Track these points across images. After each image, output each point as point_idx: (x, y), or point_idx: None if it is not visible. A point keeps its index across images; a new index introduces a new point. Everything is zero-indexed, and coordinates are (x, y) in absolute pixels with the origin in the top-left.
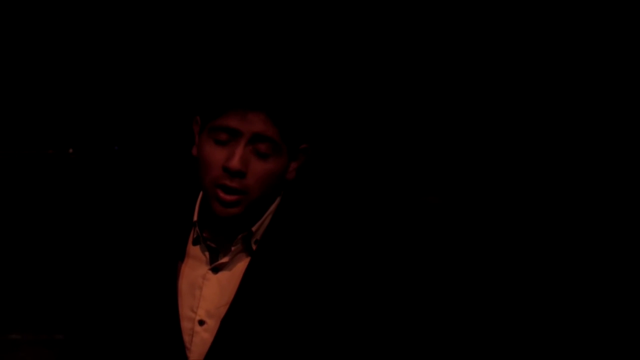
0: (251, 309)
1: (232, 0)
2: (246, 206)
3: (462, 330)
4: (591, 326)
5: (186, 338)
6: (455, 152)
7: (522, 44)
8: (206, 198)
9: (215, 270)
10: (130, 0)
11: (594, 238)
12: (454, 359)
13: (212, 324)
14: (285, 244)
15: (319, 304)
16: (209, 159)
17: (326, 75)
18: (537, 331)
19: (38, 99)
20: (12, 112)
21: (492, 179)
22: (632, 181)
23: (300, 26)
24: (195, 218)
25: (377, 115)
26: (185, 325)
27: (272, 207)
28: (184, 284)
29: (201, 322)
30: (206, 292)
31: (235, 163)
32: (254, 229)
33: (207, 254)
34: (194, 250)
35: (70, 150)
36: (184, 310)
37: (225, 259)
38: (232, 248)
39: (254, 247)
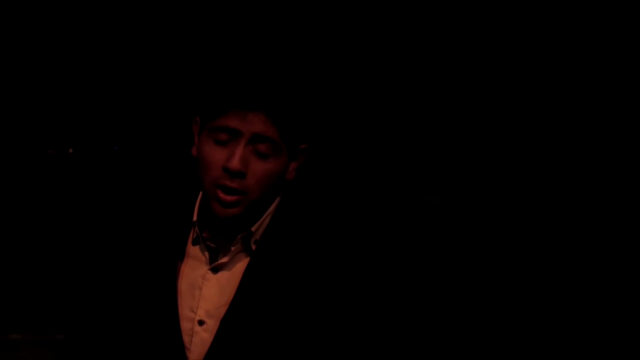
0: (251, 309)
1: (232, 1)
2: (246, 206)
3: (462, 330)
4: (591, 326)
5: (186, 338)
6: (455, 152)
7: (522, 44)
8: (206, 198)
9: (215, 270)
10: (130, 0)
11: (594, 238)
12: (454, 359)
13: (212, 324)
14: (285, 244)
15: (318, 303)
16: (209, 159)
17: (326, 76)
18: (537, 331)
19: (38, 99)
20: (12, 112)
21: (492, 179)
22: (632, 181)
23: (299, 26)
24: (194, 218)
25: (377, 116)
26: (184, 325)
27: (272, 207)
28: (183, 284)
29: (201, 322)
30: (206, 292)
31: (235, 163)
32: (253, 229)
33: (206, 254)
34: (193, 250)
35: (70, 150)
36: (184, 310)
37: (224, 259)
38: (232, 248)
39: (253, 247)
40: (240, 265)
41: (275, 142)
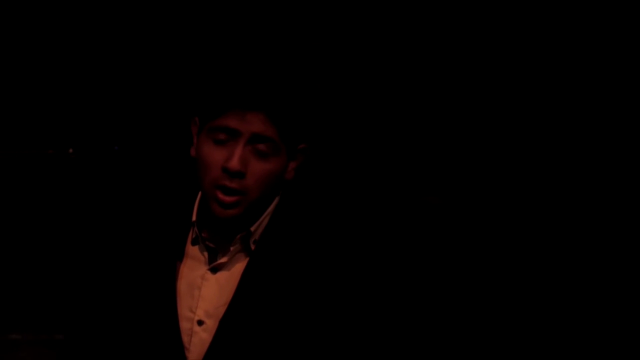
0: (250, 309)
1: (231, 1)
2: (245, 207)
3: (462, 330)
4: (591, 326)
5: (185, 338)
6: (455, 152)
7: (522, 44)
8: (205, 198)
9: (214, 270)
10: (130, 1)
11: (594, 238)
12: (454, 359)
13: (211, 324)
14: (284, 244)
15: (317, 304)
16: (208, 160)
17: (325, 76)
18: (537, 331)
19: (38, 99)
20: (12, 112)
21: (492, 178)
22: (632, 181)
23: (298, 26)
24: (194, 218)
25: (377, 115)
26: (184, 325)
27: (271, 207)
28: (182, 284)
29: (200, 322)
30: (205, 292)
31: (234, 163)
32: (252, 229)
33: (205, 254)
34: (192, 251)
35: (70, 150)
36: (183, 310)
37: (224, 259)
38: (231, 248)
39: (252, 247)
40: (240, 266)
41: (274, 142)
